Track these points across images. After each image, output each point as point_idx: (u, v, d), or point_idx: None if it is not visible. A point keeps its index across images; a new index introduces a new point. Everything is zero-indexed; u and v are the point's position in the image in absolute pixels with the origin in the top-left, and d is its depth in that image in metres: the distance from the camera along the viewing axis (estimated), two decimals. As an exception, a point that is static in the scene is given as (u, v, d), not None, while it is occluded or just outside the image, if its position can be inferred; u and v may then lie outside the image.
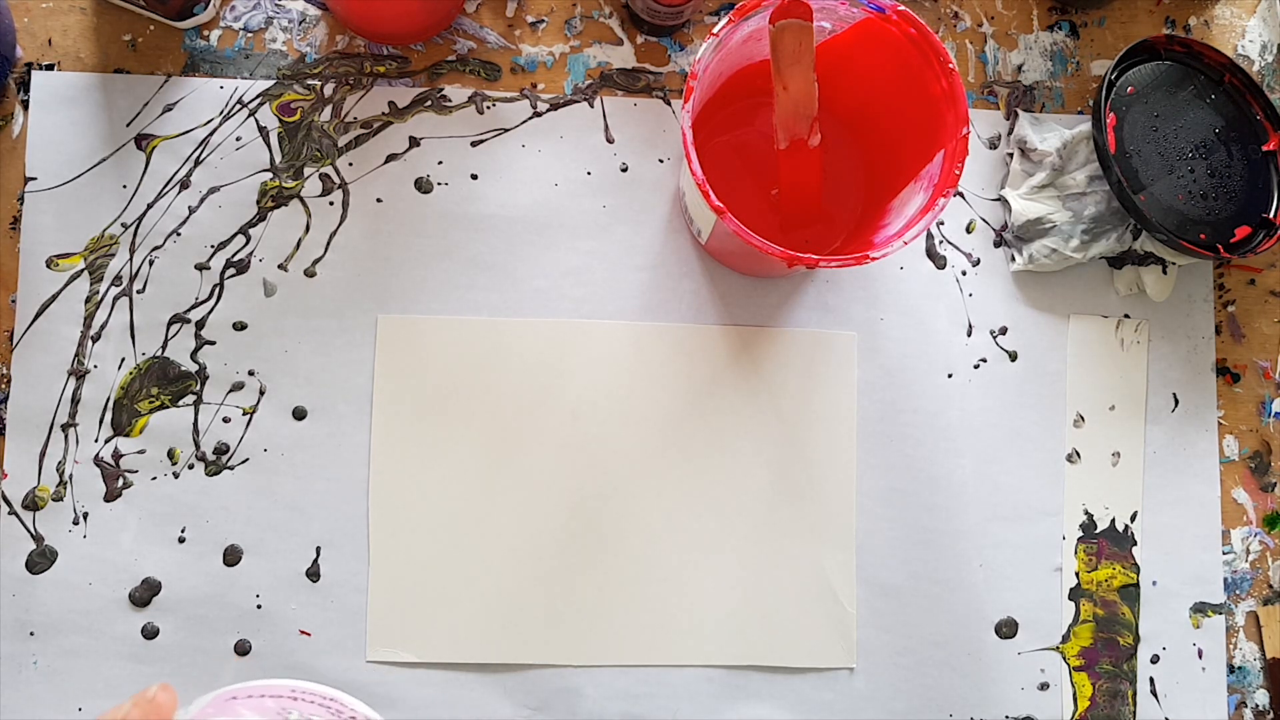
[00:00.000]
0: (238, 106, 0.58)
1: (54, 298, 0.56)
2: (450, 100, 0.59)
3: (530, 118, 0.59)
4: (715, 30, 0.48)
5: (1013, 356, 0.60)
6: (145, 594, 0.55)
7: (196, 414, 0.56)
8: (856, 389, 0.59)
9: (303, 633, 0.55)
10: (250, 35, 0.59)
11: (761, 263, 0.55)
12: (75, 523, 0.55)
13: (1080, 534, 0.60)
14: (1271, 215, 0.60)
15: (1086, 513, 0.60)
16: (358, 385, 0.57)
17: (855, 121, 0.59)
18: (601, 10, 0.61)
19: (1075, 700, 0.59)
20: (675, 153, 0.60)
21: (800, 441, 0.58)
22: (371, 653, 0.55)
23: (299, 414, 0.57)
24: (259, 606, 0.55)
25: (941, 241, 0.61)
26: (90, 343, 0.56)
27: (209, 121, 0.58)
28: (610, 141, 0.60)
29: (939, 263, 0.61)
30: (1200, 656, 0.60)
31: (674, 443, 0.58)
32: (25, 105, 0.57)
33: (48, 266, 0.56)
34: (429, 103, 0.59)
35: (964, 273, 0.61)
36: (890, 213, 0.54)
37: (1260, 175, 0.60)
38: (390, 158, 0.58)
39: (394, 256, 0.58)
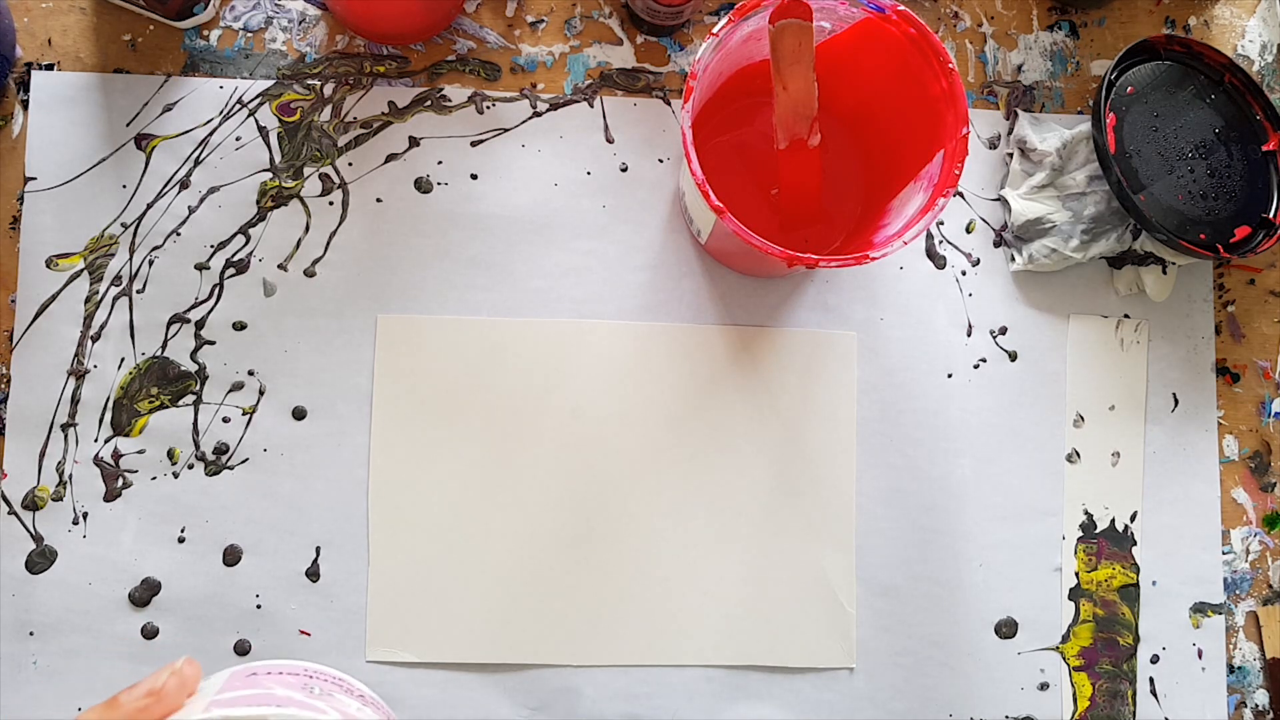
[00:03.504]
0: (237, 106, 0.58)
1: (54, 298, 0.56)
2: (450, 100, 0.59)
3: (530, 118, 0.59)
4: (715, 30, 0.48)
5: (1013, 356, 0.60)
6: (145, 594, 0.55)
7: (196, 414, 0.56)
8: (856, 389, 0.59)
9: (302, 633, 0.55)
10: (250, 35, 0.59)
11: (761, 263, 0.55)
12: (75, 523, 0.55)
13: (1080, 534, 0.60)
14: (1271, 215, 0.60)
15: (1086, 513, 0.60)
16: (357, 385, 0.57)
17: (855, 121, 0.59)
18: (601, 10, 0.61)
19: (1075, 700, 0.59)
20: (675, 153, 0.60)
21: (800, 441, 0.58)
22: (371, 653, 0.55)
23: (299, 414, 0.57)
24: (259, 606, 0.55)
25: (941, 241, 0.61)
26: (90, 343, 0.56)
27: (209, 121, 0.58)
28: (610, 141, 0.60)
29: (939, 263, 0.61)
30: (1200, 656, 0.60)
31: (674, 443, 0.58)
32: (25, 105, 0.57)
33: (47, 266, 0.56)
34: (429, 103, 0.59)
35: (964, 273, 0.61)
36: (890, 213, 0.54)
37: (1260, 175, 0.60)
38: (390, 158, 0.58)
39: (394, 256, 0.58)
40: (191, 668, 0.30)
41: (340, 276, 0.58)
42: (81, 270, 0.56)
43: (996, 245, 0.61)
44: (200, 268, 0.57)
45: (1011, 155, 0.61)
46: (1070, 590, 0.59)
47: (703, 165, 0.49)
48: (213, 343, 0.57)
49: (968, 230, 0.61)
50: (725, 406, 0.58)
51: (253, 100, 0.58)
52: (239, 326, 0.57)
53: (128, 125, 0.57)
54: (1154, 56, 0.60)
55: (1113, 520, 0.60)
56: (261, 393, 0.57)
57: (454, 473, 0.57)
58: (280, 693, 0.30)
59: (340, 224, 0.58)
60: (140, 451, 0.56)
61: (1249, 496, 0.61)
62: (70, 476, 0.55)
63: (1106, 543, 0.60)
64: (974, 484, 0.59)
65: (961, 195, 0.61)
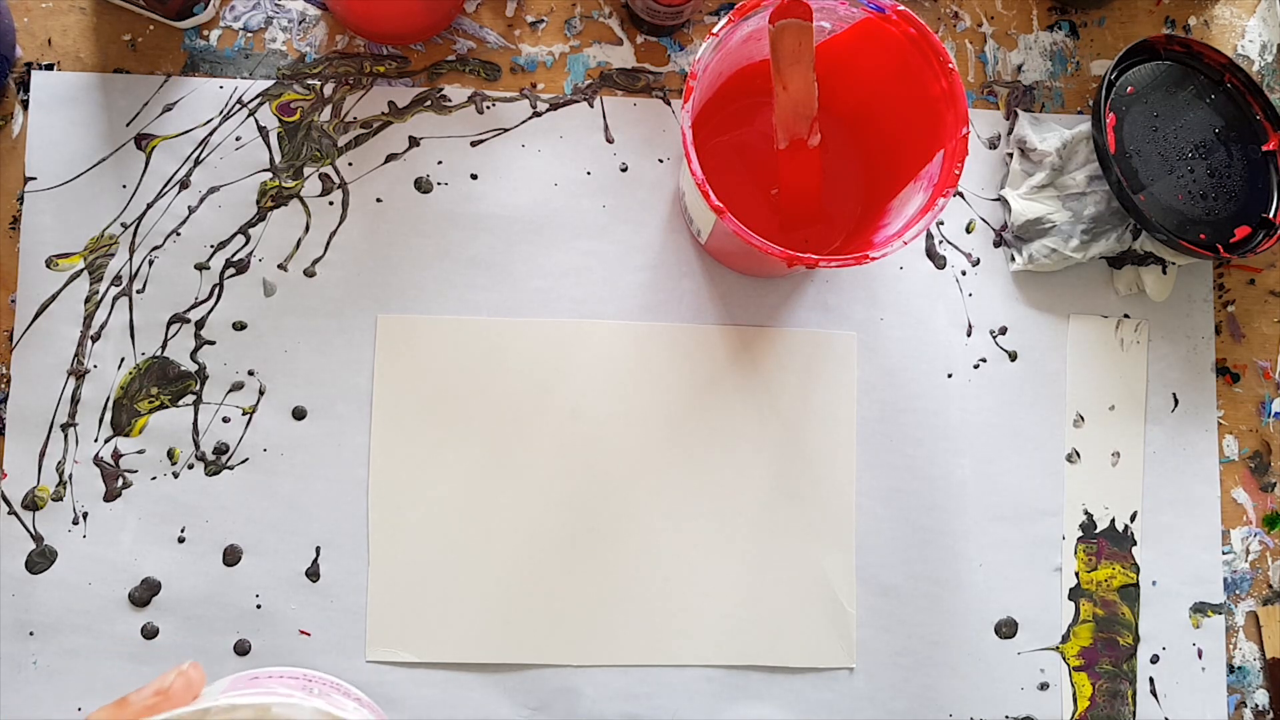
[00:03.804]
0: (237, 106, 0.58)
1: (54, 298, 0.56)
2: (450, 100, 0.59)
3: (530, 118, 0.59)
4: (715, 30, 0.48)
5: (1013, 356, 0.60)
6: (145, 594, 0.55)
7: (196, 414, 0.56)
8: (856, 389, 0.59)
9: (302, 633, 0.55)
10: (250, 35, 0.59)
11: (761, 263, 0.55)
12: (75, 523, 0.55)
13: (1080, 534, 0.60)
14: (1271, 215, 0.60)
15: (1086, 513, 0.60)
16: (357, 385, 0.57)
17: (855, 121, 0.59)
18: (601, 10, 0.61)
19: (1075, 700, 0.59)
20: (675, 153, 0.60)
21: (800, 441, 0.58)
22: (371, 653, 0.55)
23: (299, 414, 0.57)
24: (259, 606, 0.55)
25: (941, 241, 0.61)
26: (90, 343, 0.56)
27: (209, 121, 0.58)
28: (610, 141, 0.60)
29: (939, 263, 0.61)
30: (1200, 656, 0.60)
31: (674, 443, 0.58)
32: (25, 105, 0.57)
33: (47, 266, 0.56)
34: (429, 103, 0.59)
35: (964, 273, 0.61)
36: (890, 213, 0.54)
37: (1260, 175, 0.60)
38: (390, 157, 0.58)
39: (394, 256, 0.58)
40: (197, 671, 0.31)
41: (340, 276, 0.58)
42: (81, 270, 0.56)
43: (996, 245, 0.61)
44: (200, 268, 0.57)
45: (1011, 155, 0.61)
46: (1070, 590, 0.59)
47: (703, 165, 0.49)
48: (213, 343, 0.57)
49: (968, 230, 0.61)
50: (725, 406, 0.58)
51: (253, 100, 0.58)
52: (239, 326, 0.57)
53: (128, 125, 0.57)
54: (1154, 56, 0.60)
55: (1113, 520, 0.60)
56: (261, 393, 0.57)
57: (454, 472, 0.57)
58: (282, 690, 0.31)
59: (340, 224, 0.58)
60: (140, 451, 0.56)
61: (1249, 496, 0.61)
62: (70, 476, 0.55)
63: (1106, 543, 0.60)
64: (974, 484, 0.59)
65: (961, 195, 0.61)
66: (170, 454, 0.56)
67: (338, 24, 0.59)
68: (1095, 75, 0.63)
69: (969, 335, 0.60)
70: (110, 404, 0.56)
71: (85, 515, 0.55)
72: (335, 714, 0.28)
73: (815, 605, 0.58)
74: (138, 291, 0.57)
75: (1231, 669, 0.60)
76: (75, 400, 0.56)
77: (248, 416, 0.56)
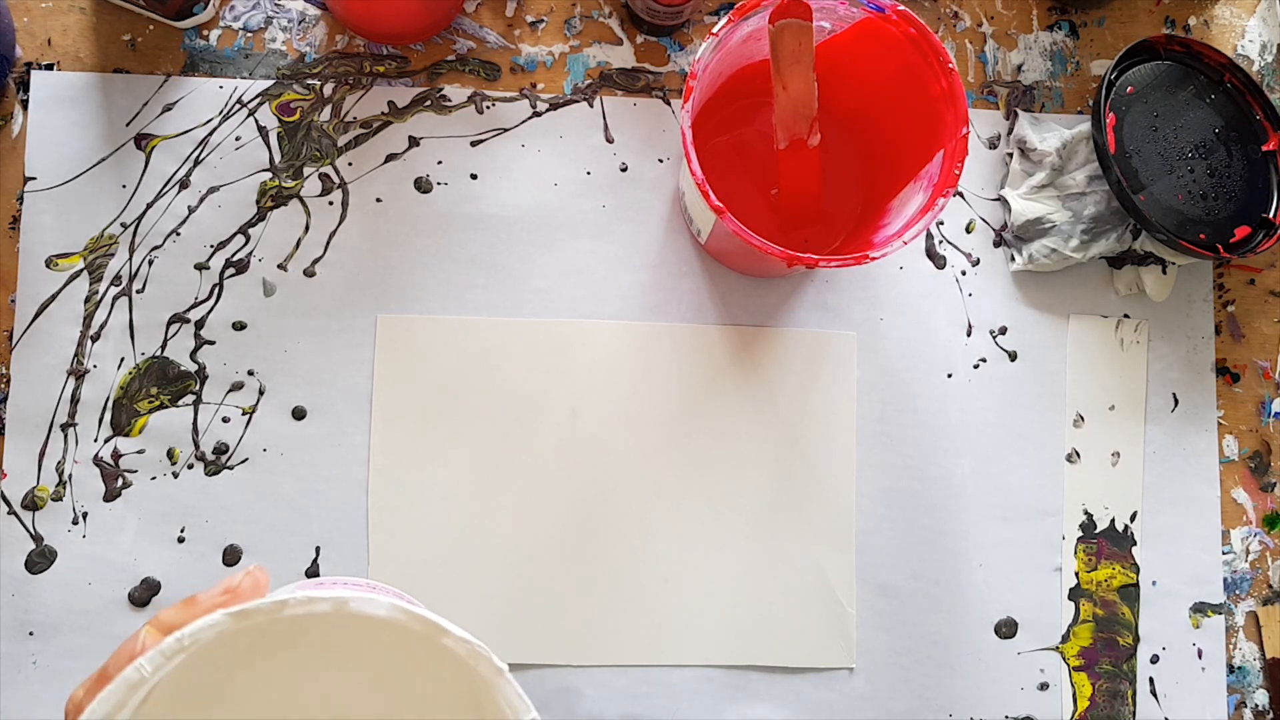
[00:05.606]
0: (237, 106, 0.58)
1: (53, 298, 0.56)
2: (450, 100, 0.59)
3: (530, 117, 0.59)
4: (715, 30, 0.48)
5: (1012, 356, 0.60)
6: (145, 594, 0.55)
7: (196, 414, 0.56)
8: (856, 389, 0.59)
9: (302, 633, 0.55)
10: (250, 35, 0.59)
11: (761, 262, 0.55)
12: (75, 523, 0.55)
13: (1080, 534, 0.60)
14: (1271, 215, 0.60)
15: (1086, 513, 0.60)
16: (357, 385, 0.57)
17: (855, 121, 0.59)
18: (601, 10, 0.61)
19: (1075, 700, 0.59)
20: (675, 152, 0.60)
21: (800, 441, 0.58)
22: (371, 653, 0.55)
23: (298, 414, 0.57)
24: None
25: (941, 241, 0.61)
26: (90, 342, 0.56)
27: (208, 121, 0.58)
28: (610, 141, 0.60)
29: (939, 263, 0.61)
30: (1200, 656, 0.60)
31: (674, 443, 0.58)
32: (25, 105, 0.57)
33: (47, 266, 0.56)
34: (429, 102, 0.59)
35: (964, 273, 0.61)
36: (890, 212, 0.54)
37: (1260, 175, 0.60)
38: (390, 157, 0.58)
39: (394, 256, 0.58)
40: (263, 573, 0.32)
41: (340, 276, 0.57)
42: (81, 270, 0.56)
43: (996, 245, 0.61)
44: (200, 268, 0.57)
45: (1011, 155, 0.61)
46: (1070, 590, 0.59)
47: (703, 165, 0.49)
48: (213, 343, 0.57)
49: (968, 230, 0.61)
50: (725, 406, 0.58)
51: (252, 100, 0.58)
52: (239, 326, 0.57)
53: (128, 125, 0.57)
54: (1154, 56, 0.60)
55: (1113, 520, 0.60)
56: (261, 393, 0.57)
57: (454, 473, 0.57)
58: (345, 590, 0.31)
59: (340, 224, 0.58)
60: (140, 451, 0.56)
61: (1249, 496, 0.61)
62: (70, 476, 0.55)
63: (1106, 543, 0.60)
64: (974, 484, 0.59)
65: (961, 195, 0.61)
66: (170, 454, 0.56)
67: (338, 24, 0.59)
68: (1095, 75, 0.63)
69: (969, 335, 0.60)
70: (110, 404, 0.56)
71: (85, 515, 0.55)
72: (410, 609, 0.28)
73: (815, 605, 0.58)
74: (137, 291, 0.57)
75: (1231, 669, 0.60)
76: (75, 400, 0.56)
77: (248, 416, 0.56)
